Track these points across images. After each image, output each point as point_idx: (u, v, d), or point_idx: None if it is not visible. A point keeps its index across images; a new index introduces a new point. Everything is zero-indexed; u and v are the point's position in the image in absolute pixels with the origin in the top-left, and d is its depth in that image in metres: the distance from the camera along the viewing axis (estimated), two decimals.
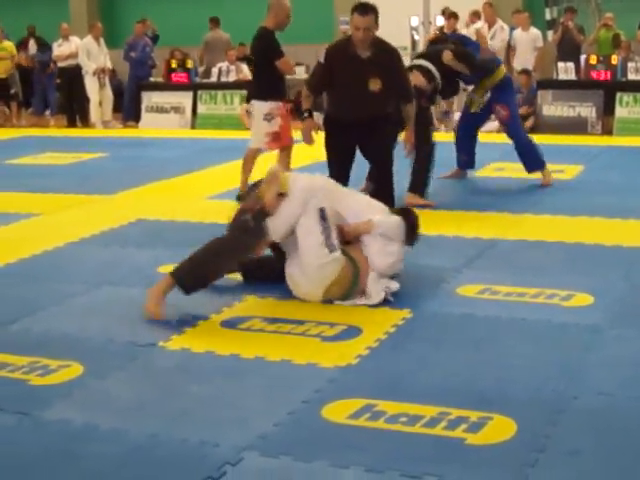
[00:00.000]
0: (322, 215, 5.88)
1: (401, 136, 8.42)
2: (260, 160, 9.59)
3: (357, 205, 6.21)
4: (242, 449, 3.98)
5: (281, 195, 5.96)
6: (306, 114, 7.94)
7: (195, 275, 5.89)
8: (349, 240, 6.09)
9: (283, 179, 6.05)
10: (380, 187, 7.80)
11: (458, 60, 9.14)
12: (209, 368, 4.99)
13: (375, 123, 7.60)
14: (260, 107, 9.37)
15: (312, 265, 5.87)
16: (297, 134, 8.99)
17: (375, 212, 6.20)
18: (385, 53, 7.46)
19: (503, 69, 10.18)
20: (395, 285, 6.06)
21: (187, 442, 4.08)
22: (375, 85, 7.37)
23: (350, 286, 5.93)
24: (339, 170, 7.71)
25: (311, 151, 8.73)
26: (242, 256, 6.16)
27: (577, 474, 3.76)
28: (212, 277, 6.01)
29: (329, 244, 5.86)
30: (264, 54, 9.24)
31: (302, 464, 3.87)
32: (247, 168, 9.52)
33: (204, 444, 4.05)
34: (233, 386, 4.74)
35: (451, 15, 15.63)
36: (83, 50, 17.08)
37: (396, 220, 6.16)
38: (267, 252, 6.36)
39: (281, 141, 9.45)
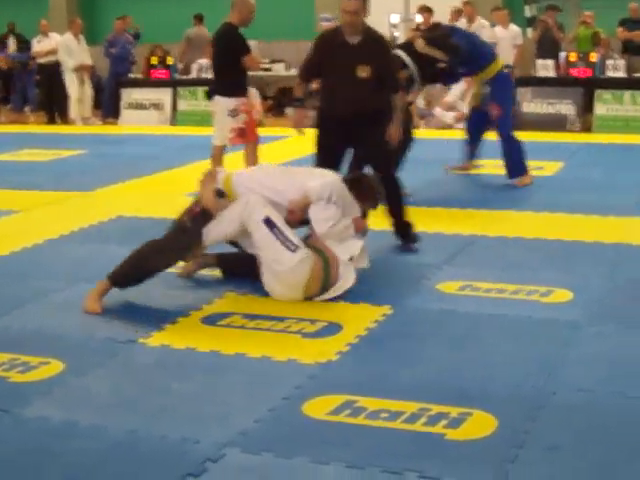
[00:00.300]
0: (268, 224, 5.88)
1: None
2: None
3: (298, 179, 6.20)
4: (223, 445, 3.98)
5: (222, 195, 6.00)
6: (297, 102, 7.73)
7: (129, 277, 5.97)
8: (296, 217, 6.08)
9: (224, 178, 6.10)
10: (387, 195, 7.23)
11: (430, 46, 9.12)
12: (189, 365, 4.98)
13: (367, 119, 7.19)
14: (225, 103, 9.30)
15: (284, 271, 5.89)
16: (274, 131, 8.98)
17: (314, 179, 6.15)
18: (374, 41, 7.23)
19: (500, 62, 10.10)
20: (358, 244, 6.12)
21: (167, 438, 4.07)
22: (363, 72, 7.05)
23: (324, 276, 5.92)
24: (323, 162, 7.38)
25: (297, 146, 8.71)
26: (177, 257, 6.13)
27: (556, 469, 3.78)
28: (146, 277, 6.01)
29: (288, 245, 5.85)
30: (229, 50, 9.19)
31: (283, 460, 3.87)
32: (217, 166, 9.48)
33: (185, 440, 4.04)
34: (213, 383, 4.74)
35: (425, 10, 15.75)
36: (62, 47, 17.02)
37: (327, 182, 6.10)
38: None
39: (246, 137, 9.41)
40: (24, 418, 4.33)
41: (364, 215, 6.60)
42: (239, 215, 5.92)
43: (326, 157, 7.32)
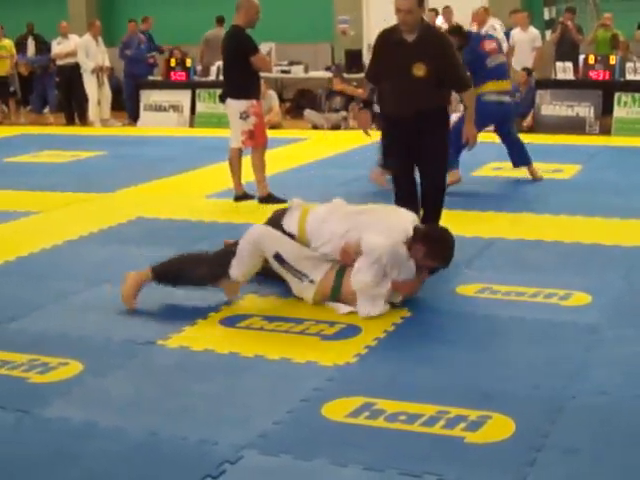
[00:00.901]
0: (278, 259, 5.89)
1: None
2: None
3: (364, 224, 5.93)
4: (241, 447, 3.99)
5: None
6: (361, 104, 7.55)
7: (168, 275, 6.00)
8: (346, 259, 5.89)
9: (299, 215, 6.16)
10: (428, 204, 7.11)
11: None
12: (208, 366, 5.00)
13: (424, 120, 6.86)
14: (237, 106, 9.25)
15: (294, 290, 6.00)
16: (292, 133, 8.98)
17: (378, 232, 5.82)
18: (432, 38, 6.91)
19: (482, 88, 9.51)
20: (345, 309, 5.84)
21: (186, 440, 4.09)
22: (419, 70, 6.76)
23: (331, 293, 5.92)
24: (400, 170, 7.21)
25: (315, 149, 8.70)
26: (215, 274, 6.04)
27: (575, 473, 3.78)
28: (183, 282, 6.02)
29: (299, 277, 5.89)
30: (238, 52, 9.16)
31: (302, 462, 3.88)
32: (235, 169, 9.48)
33: (203, 442, 4.06)
34: (232, 384, 4.75)
35: (445, 9, 15.96)
36: (82, 48, 17.07)
37: (383, 243, 5.72)
38: None
39: (255, 140, 9.36)
40: (44, 419, 4.35)
41: (432, 271, 6.13)
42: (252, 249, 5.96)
43: (395, 156, 7.18)
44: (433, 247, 5.84)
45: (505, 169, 10.78)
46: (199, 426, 4.23)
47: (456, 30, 10.06)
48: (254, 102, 9.31)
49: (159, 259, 5.97)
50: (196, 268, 5.98)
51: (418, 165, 7.14)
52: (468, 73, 7.25)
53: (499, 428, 4.15)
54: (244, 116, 9.20)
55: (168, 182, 10.79)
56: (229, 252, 6.02)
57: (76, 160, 12.73)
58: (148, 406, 4.49)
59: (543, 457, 3.89)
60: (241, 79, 9.22)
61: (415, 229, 5.91)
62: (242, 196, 9.46)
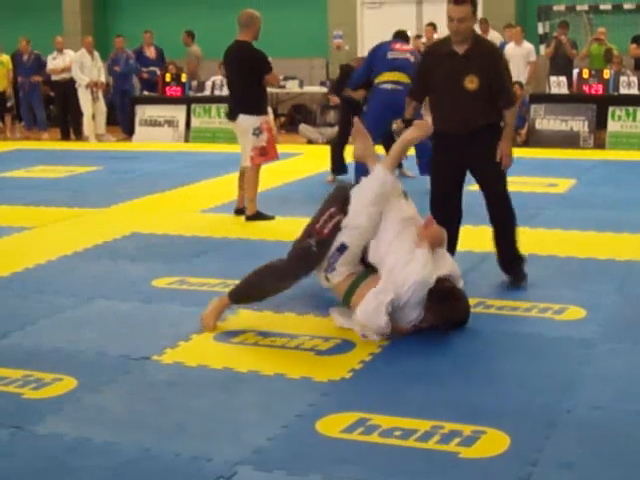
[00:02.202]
0: (339, 248, 5.82)
1: None
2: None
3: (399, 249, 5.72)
4: (235, 463, 3.98)
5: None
6: (406, 123, 6.89)
7: (249, 297, 5.98)
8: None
9: None
10: (493, 217, 6.86)
11: None
12: (202, 382, 4.99)
13: (478, 137, 6.58)
14: (250, 122, 9.17)
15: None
16: (287, 148, 8.98)
17: (411, 263, 5.60)
18: (485, 49, 6.59)
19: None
20: (343, 322, 5.78)
21: (180, 456, 4.08)
22: (471, 84, 6.43)
23: (345, 294, 5.87)
24: (438, 195, 6.81)
25: (309, 164, 8.70)
26: (295, 281, 6.04)
27: None
28: (263, 299, 6.01)
29: (328, 269, 5.84)
30: (253, 69, 9.16)
31: (296, 478, 3.87)
32: (253, 184, 9.30)
33: (197, 458, 4.05)
34: (226, 400, 4.74)
35: (428, 25, 16.28)
36: (77, 63, 17.11)
37: (401, 280, 5.51)
38: None
39: (266, 156, 9.33)
40: (37, 434, 4.34)
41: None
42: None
43: (438, 179, 6.79)
44: (442, 308, 5.56)
45: None
46: (193, 442, 4.22)
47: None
48: (266, 117, 9.34)
49: (154, 274, 5.96)
50: (272, 285, 5.93)
51: (475, 175, 6.80)
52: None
53: (494, 443, 4.14)
54: (257, 132, 9.14)
55: (163, 197, 10.80)
56: (303, 258, 5.93)
57: (71, 175, 12.74)
58: (142, 422, 4.48)
59: (538, 472, 3.88)
60: (254, 95, 9.21)
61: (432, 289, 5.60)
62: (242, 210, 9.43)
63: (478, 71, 6.47)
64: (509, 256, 6.79)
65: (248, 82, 9.18)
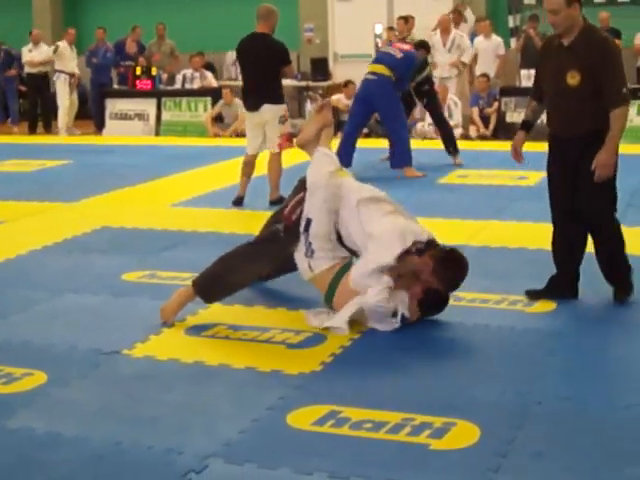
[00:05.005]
0: (306, 226, 5.78)
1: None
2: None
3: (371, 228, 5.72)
4: (207, 456, 3.98)
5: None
6: (520, 126, 6.58)
7: (216, 291, 5.88)
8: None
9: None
10: (593, 236, 6.23)
11: None
12: (173, 375, 4.98)
13: (588, 144, 5.90)
14: (276, 110, 9.47)
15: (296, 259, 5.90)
16: None
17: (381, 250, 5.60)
18: (592, 40, 5.90)
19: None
20: (315, 322, 5.72)
21: (152, 449, 4.07)
22: (573, 79, 5.82)
23: (327, 293, 5.83)
24: (557, 216, 6.40)
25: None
26: (266, 268, 6.05)
27: (540, 478, 3.79)
28: (232, 291, 5.95)
29: (308, 252, 5.78)
30: (277, 60, 9.42)
31: (266, 471, 3.88)
32: (279, 170, 9.62)
33: (169, 451, 4.04)
34: (197, 393, 4.74)
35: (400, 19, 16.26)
36: (59, 56, 16.95)
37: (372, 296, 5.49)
38: None
39: (292, 142, 9.56)
40: (8, 429, 4.32)
41: (425, 311, 5.71)
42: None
43: (551, 182, 6.40)
44: (444, 266, 5.60)
45: (470, 177, 10.83)
46: (164, 435, 4.22)
47: (423, 43, 11.95)
48: (286, 106, 9.71)
49: (125, 268, 5.92)
50: (242, 273, 5.85)
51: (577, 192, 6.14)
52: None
53: (464, 435, 4.16)
54: (282, 120, 9.52)
55: (133, 191, 10.75)
56: (272, 242, 5.91)
57: (41, 169, 12.66)
58: (113, 415, 4.47)
59: (508, 463, 3.91)
60: (277, 85, 9.57)
61: (429, 240, 5.76)
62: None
63: (581, 65, 5.85)
64: (622, 276, 6.22)
65: (272, 72, 9.47)
